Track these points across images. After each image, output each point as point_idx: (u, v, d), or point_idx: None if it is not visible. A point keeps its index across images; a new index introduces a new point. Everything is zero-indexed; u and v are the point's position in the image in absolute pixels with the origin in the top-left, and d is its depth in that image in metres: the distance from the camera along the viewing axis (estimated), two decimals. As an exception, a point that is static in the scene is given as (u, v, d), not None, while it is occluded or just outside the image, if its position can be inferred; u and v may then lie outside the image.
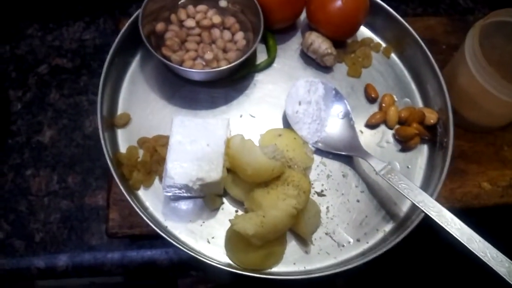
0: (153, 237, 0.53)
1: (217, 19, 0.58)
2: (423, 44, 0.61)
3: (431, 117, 0.58)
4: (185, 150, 0.47)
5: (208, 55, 0.56)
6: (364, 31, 0.66)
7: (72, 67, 0.65)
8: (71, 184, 0.57)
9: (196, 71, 0.54)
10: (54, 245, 0.54)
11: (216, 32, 0.58)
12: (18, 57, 0.65)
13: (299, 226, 0.49)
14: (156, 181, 0.53)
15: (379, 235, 0.53)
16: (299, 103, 0.55)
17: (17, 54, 0.66)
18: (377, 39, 0.65)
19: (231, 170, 0.50)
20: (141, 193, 0.52)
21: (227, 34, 0.58)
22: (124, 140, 0.55)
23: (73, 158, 0.59)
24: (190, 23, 0.57)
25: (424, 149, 0.58)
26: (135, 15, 0.56)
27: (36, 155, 0.59)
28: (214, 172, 0.47)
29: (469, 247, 0.45)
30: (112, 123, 0.55)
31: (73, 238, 0.55)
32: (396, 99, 0.61)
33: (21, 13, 0.69)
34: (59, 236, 0.54)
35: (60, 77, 0.64)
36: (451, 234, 0.46)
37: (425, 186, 0.55)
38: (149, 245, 0.55)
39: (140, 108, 0.57)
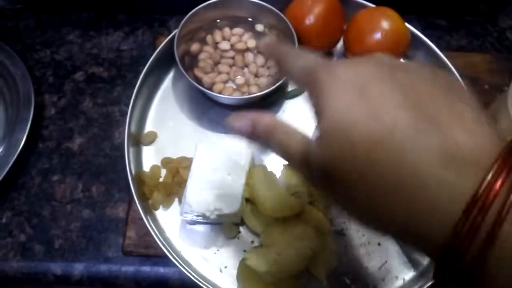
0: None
1: (252, 43, 0.58)
2: (462, 82, 0.58)
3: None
4: (206, 178, 0.47)
5: (240, 80, 0.56)
6: (403, 64, 0.63)
7: (107, 77, 0.66)
8: (94, 193, 0.58)
9: (225, 97, 0.54)
10: (72, 253, 0.55)
11: (249, 56, 0.58)
12: (57, 62, 0.67)
13: (314, 266, 0.48)
14: (175, 202, 0.53)
15: (398, 283, 0.51)
16: (327, 137, 0.54)
17: (56, 59, 0.67)
18: (415, 73, 0.63)
19: (251, 200, 0.49)
20: (159, 213, 0.52)
21: (260, 59, 0.58)
22: (148, 158, 0.55)
23: (100, 167, 0.60)
24: (224, 45, 0.57)
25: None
26: (172, 34, 0.57)
27: (64, 161, 0.60)
28: (233, 204, 0.46)
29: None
30: (138, 140, 0.55)
31: (91, 248, 0.55)
32: (429, 139, 0.58)
33: (64, 19, 0.71)
34: (78, 245, 0.55)
35: (95, 85, 0.66)
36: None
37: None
38: (163, 263, 0.55)
39: (167, 127, 0.57)
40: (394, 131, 0.22)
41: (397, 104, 0.23)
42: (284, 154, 0.30)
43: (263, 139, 0.31)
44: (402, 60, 0.61)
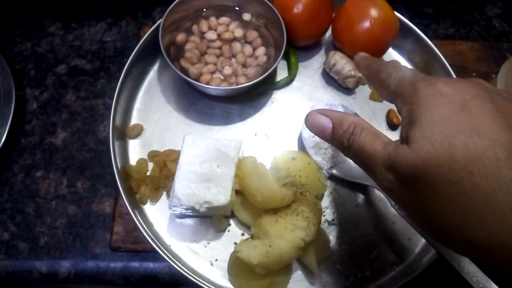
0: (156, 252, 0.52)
1: (239, 32, 0.57)
2: (451, 70, 0.58)
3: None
4: (195, 171, 0.46)
5: (227, 70, 0.55)
6: (391, 53, 0.63)
7: (90, 69, 0.64)
8: (79, 189, 0.57)
9: (213, 88, 0.53)
10: (58, 250, 0.54)
11: (237, 46, 0.57)
12: (38, 55, 0.65)
13: (306, 256, 0.48)
14: (164, 196, 0.52)
15: (390, 272, 0.50)
16: (317, 127, 0.53)
17: (37, 52, 0.65)
18: (404, 62, 0.63)
19: (241, 192, 0.48)
20: (147, 207, 0.51)
21: (248, 49, 0.57)
22: (135, 152, 0.54)
23: (84, 162, 0.58)
24: (211, 35, 0.56)
25: (445, 183, 0.56)
26: (156, 24, 0.55)
27: (48, 157, 0.58)
28: (222, 196, 0.45)
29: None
30: (124, 133, 0.54)
31: (77, 245, 0.54)
32: (419, 127, 0.58)
33: (45, 10, 0.69)
34: (64, 241, 0.54)
35: (78, 78, 0.64)
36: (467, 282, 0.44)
37: (442, 223, 0.52)
38: (152, 258, 0.54)
39: (153, 120, 0.55)
40: (494, 147, 0.24)
41: (498, 122, 0.25)
42: (365, 156, 0.31)
43: (344, 139, 0.32)
44: (388, 48, 0.61)
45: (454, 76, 0.58)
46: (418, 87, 0.28)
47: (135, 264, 0.54)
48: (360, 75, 0.58)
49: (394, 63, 0.34)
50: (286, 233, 0.45)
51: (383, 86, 0.32)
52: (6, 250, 0.53)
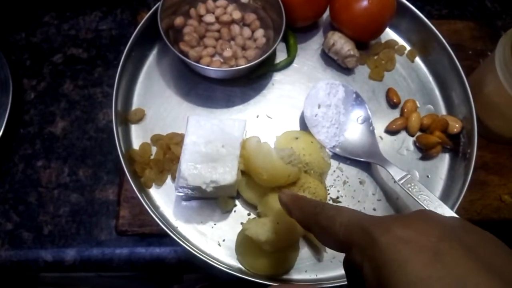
0: (162, 236, 0.52)
1: (237, 14, 0.57)
2: (449, 49, 0.58)
3: (455, 125, 0.56)
4: (200, 151, 0.46)
5: (227, 52, 0.55)
6: (389, 33, 0.63)
7: (87, 58, 0.64)
8: (82, 177, 0.56)
9: (213, 69, 0.53)
10: (63, 238, 0.53)
11: (235, 28, 0.56)
12: (34, 45, 0.64)
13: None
14: (168, 179, 0.51)
15: (395, 247, 0.51)
16: (319, 106, 0.54)
17: (32, 42, 0.65)
18: (402, 41, 0.63)
19: (246, 172, 0.49)
20: (153, 191, 0.51)
21: (246, 31, 0.57)
22: (138, 136, 0.54)
23: (85, 150, 0.58)
24: (209, 18, 0.56)
25: (446, 158, 0.56)
26: (154, 8, 0.55)
27: (48, 146, 0.58)
28: (229, 175, 0.45)
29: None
30: (126, 118, 0.54)
31: (82, 233, 0.54)
32: (418, 105, 0.59)
33: (38, 0, 0.68)
34: (68, 230, 0.54)
35: (75, 67, 0.63)
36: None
37: (445, 197, 0.53)
38: (158, 243, 0.54)
39: (155, 104, 0.55)
40: None
41: (480, 268, 0.22)
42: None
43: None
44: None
45: (453, 54, 0.58)
46: (374, 236, 0.24)
47: (140, 250, 0.54)
48: (358, 54, 0.58)
49: (331, 206, 0.31)
50: (293, 210, 0.45)
51: (327, 233, 0.28)
52: (10, 239, 0.53)
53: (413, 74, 0.61)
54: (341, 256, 0.49)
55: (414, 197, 0.48)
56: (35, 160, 0.57)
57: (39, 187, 0.56)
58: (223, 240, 0.49)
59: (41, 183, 0.56)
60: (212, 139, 0.47)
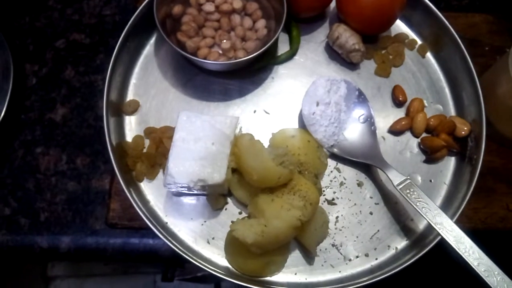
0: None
1: (238, 4, 0.54)
2: (462, 46, 0.55)
3: (463, 128, 0.53)
4: (189, 148, 0.45)
5: (225, 44, 0.53)
6: (399, 25, 0.60)
7: (89, 43, 0.63)
8: (79, 165, 0.56)
9: (210, 62, 0.51)
10: (58, 226, 0.54)
11: (236, 18, 0.54)
12: (37, 29, 0.64)
13: (304, 236, 0.47)
14: (160, 174, 0.51)
15: (390, 252, 0.49)
16: (317, 104, 0.51)
17: (36, 26, 0.64)
18: (412, 35, 0.60)
19: (238, 170, 0.47)
20: (144, 185, 0.51)
21: (247, 21, 0.54)
22: (131, 129, 0.53)
23: (84, 139, 0.58)
24: (209, 7, 0.54)
25: (451, 162, 0.54)
26: (152, -6, 0.53)
27: (48, 133, 0.58)
28: (217, 174, 0.44)
29: (486, 281, 0.41)
30: (120, 110, 0.53)
31: (77, 221, 0.54)
32: (426, 104, 0.56)
33: (43, -17, 0.67)
34: (64, 217, 0.54)
35: (77, 53, 0.63)
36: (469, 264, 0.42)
37: (447, 204, 0.51)
38: (151, 235, 0.54)
39: (150, 96, 0.54)
40: None
41: None
42: None
43: None
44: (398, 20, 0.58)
45: (465, 51, 0.54)
46: None
47: (134, 241, 0.54)
48: (364, 49, 0.55)
49: None
50: (282, 213, 0.44)
51: None
52: (8, 225, 0.54)
53: (422, 71, 0.58)
54: (333, 260, 0.48)
55: (412, 204, 0.46)
56: (34, 147, 0.57)
57: (37, 173, 0.56)
58: (213, 238, 0.49)
59: (40, 170, 0.56)
60: (202, 136, 0.46)
